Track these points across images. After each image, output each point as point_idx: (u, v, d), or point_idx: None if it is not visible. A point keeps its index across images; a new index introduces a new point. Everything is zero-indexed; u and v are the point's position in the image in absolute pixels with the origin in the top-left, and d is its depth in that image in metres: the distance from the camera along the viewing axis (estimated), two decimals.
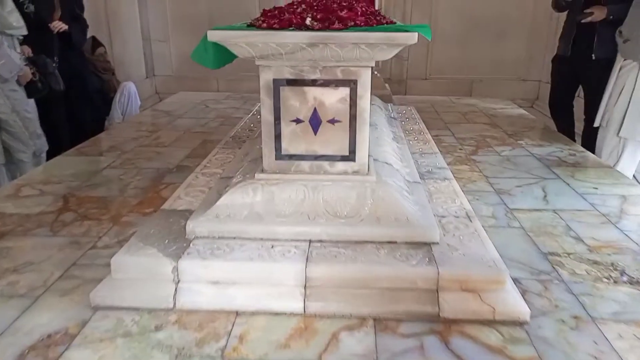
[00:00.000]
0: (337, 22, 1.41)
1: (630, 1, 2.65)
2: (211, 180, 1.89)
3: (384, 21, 1.64)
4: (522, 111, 3.61)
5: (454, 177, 2.11)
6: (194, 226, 1.45)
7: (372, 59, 1.39)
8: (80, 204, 1.96)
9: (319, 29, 1.35)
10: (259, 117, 3.04)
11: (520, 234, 1.70)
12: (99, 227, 1.77)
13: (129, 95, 4.43)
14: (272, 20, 1.43)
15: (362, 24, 1.44)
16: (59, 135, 3.36)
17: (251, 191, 1.50)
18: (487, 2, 5.52)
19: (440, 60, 5.66)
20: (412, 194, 1.61)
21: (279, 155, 1.54)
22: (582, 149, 2.70)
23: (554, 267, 1.50)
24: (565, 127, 3.39)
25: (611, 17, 2.95)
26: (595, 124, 2.77)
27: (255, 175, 1.54)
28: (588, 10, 3.04)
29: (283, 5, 1.81)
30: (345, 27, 1.39)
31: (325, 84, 1.45)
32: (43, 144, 2.98)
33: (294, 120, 1.50)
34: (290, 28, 1.37)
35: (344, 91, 1.46)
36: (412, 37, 1.29)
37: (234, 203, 1.49)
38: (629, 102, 2.56)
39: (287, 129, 1.51)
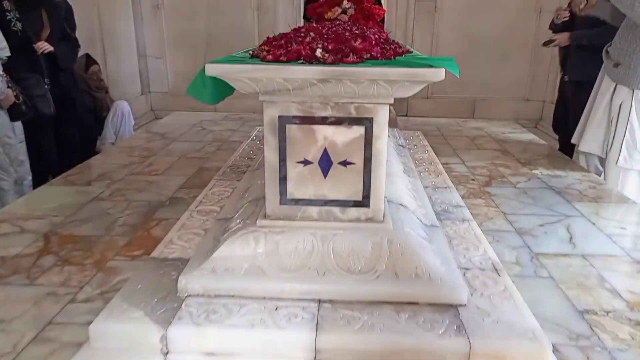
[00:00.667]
0: (351, 54, 1.25)
1: (599, 26, 2.91)
2: (207, 220, 1.72)
3: (401, 51, 1.49)
4: (532, 136, 3.47)
5: (470, 213, 1.96)
6: (186, 282, 1.27)
7: (391, 96, 1.23)
8: (62, 244, 1.78)
9: (332, 63, 1.19)
10: (258, 142, 2.89)
11: (550, 286, 1.54)
12: (80, 274, 1.59)
13: (122, 114, 4.27)
14: (278, 51, 1.28)
15: (378, 55, 1.29)
16: (46, 161, 3.19)
17: (252, 241, 1.33)
18: (490, 22, 5.43)
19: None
20: (431, 242, 1.44)
21: (284, 200, 1.38)
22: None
23: (593, 330, 1.33)
24: (561, 143, 3.67)
25: (575, 42, 3.23)
26: (572, 141, 2.92)
27: (257, 221, 1.37)
28: (553, 37, 3.36)
29: (289, 32, 1.66)
30: (360, 60, 1.23)
31: (338, 122, 1.29)
32: (25, 172, 2.81)
33: (301, 162, 1.34)
34: (299, 61, 1.21)
35: (358, 130, 1.30)
36: (439, 74, 1.14)
37: (232, 255, 1.31)
38: (625, 130, 2.51)
39: (293, 171, 1.35)
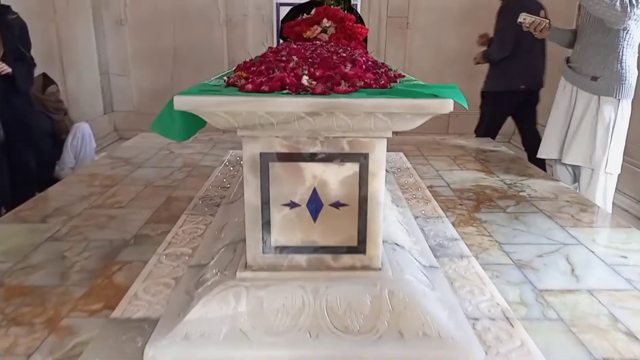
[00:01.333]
0: (342, 81, 1.10)
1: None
2: (178, 267, 1.52)
3: (393, 75, 1.34)
4: (512, 153, 3.40)
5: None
6: (154, 354, 1.07)
7: (390, 129, 1.08)
8: (10, 299, 1.54)
9: (322, 93, 1.03)
10: (231, 168, 2.70)
11: (562, 330, 1.40)
12: (29, 337, 1.35)
13: (83, 136, 4.00)
14: (259, 78, 1.11)
15: (372, 82, 1.14)
16: None
17: (232, 298, 1.14)
18: (461, 37, 5.43)
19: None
20: (434, 289, 1.29)
21: (267, 248, 1.20)
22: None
23: None
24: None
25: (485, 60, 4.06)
26: (540, 156, 2.98)
27: (237, 273, 1.19)
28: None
29: (268, 53, 1.50)
30: (353, 89, 1.08)
31: (328, 158, 1.13)
32: None
33: (287, 204, 1.17)
34: (284, 91, 1.05)
35: (352, 168, 1.14)
36: (446, 106, 1.00)
37: (209, 316, 1.12)
38: (610, 137, 2.56)
39: (278, 215, 1.17)
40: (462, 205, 2.38)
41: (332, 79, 1.11)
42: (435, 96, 1.01)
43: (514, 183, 2.74)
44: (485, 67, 5.43)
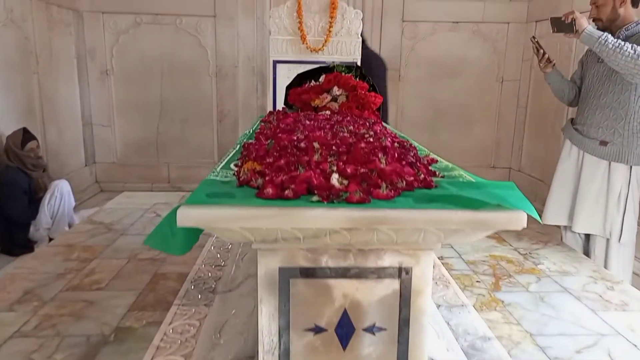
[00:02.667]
0: (380, 181, 0.91)
1: None
2: None
3: (426, 160, 1.17)
4: None
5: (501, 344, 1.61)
6: None
7: (442, 243, 0.89)
8: None
9: (360, 201, 0.84)
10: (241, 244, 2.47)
11: None
12: None
13: (62, 195, 3.73)
14: (278, 176, 0.92)
15: (413, 181, 0.95)
16: None
17: None
18: (453, 90, 5.40)
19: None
20: None
21: None
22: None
23: None
24: None
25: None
26: (545, 222, 2.70)
27: None
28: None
29: (281, 134, 1.30)
30: (396, 194, 0.89)
31: (362, 274, 0.93)
32: None
33: (311, 329, 0.95)
34: (314, 199, 0.85)
35: (392, 285, 0.94)
36: (519, 221, 0.81)
37: None
38: (624, 207, 2.40)
39: (299, 342, 0.95)
40: (479, 282, 2.19)
41: (367, 178, 0.92)
42: (500, 206, 0.83)
43: (529, 253, 2.56)
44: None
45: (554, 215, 2.64)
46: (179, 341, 1.47)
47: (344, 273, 0.93)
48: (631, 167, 2.38)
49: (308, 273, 0.93)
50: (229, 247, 2.22)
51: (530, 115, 5.23)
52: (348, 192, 0.87)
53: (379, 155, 1.04)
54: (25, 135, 3.65)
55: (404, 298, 0.94)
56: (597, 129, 2.44)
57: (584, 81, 2.58)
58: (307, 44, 2.87)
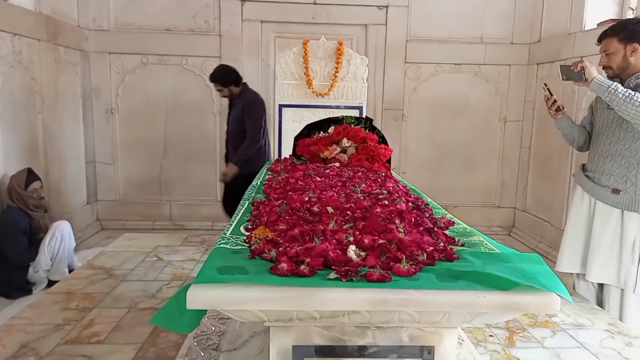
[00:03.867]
0: (399, 253, 0.87)
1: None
2: None
3: (443, 223, 1.13)
4: None
5: None
6: None
7: (467, 323, 0.84)
8: None
9: (380, 280, 0.80)
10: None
11: None
12: None
13: (62, 236, 3.66)
14: (292, 246, 0.88)
15: (433, 251, 0.91)
16: None
17: None
18: (456, 130, 5.42)
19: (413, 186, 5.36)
20: None
21: None
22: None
23: None
24: None
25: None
26: (559, 269, 2.59)
27: None
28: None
29: (293, 195, 1.27)
30: (418, 269, 0.85)
31: (382, 354, 0.88)
32: None
33: None
34: (332, 276, 0.81)
35: None
36: (553, 305, 0.76)
37: None
38: (639, 257, 2.34)
39: None
40: (492, 336, 2.11)
41: (386, 250, 0.88)
42: (531, 287, 0.78)
43: None
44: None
45: (568, 262, 2.58)
46: None
47: (362, 352, 0.88)
48: None
49: (324, 352, 0.87)
50: None
51: (534, 155, 5.21)
52: (367, 266, 0.83)
53: (396, 221, 1.01)
54: (30, 176, 3.62)
55: None
56: (608, 177, 2.41)
57: (594, 127, 2.57)
58: (313, 88, 2.88)
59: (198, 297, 0.75)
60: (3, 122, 3.58)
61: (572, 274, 2.66)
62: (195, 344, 1.78)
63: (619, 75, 2.32)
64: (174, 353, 1.77)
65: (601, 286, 2.52)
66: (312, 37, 3.32)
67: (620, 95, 2.12)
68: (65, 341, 1.98)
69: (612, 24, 2.40)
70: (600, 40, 2.38)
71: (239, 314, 0.78)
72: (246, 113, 3.73)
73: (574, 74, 2.24)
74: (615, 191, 2.38)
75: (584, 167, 2.62)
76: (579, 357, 1.95)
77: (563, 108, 2.54)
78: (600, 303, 2.52)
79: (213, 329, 1.90)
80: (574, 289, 2.65)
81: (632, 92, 2.12)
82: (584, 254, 2.54)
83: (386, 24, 5.26)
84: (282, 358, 0.87)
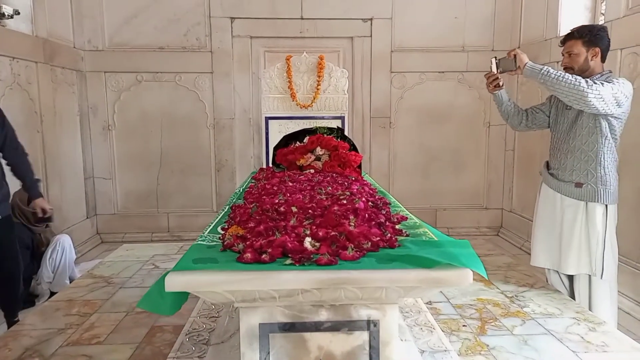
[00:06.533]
0: (348, 243, 1.03)
1: None
2: None
3: (396, 219, 1.29)
4: (508, 259, 3.34)
5: None
6: None
7: (403, 298, 1.00)
8: None
9: (328, 264, 0.96)
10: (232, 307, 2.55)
11: None
12: None
13: (63, 249, 3.82)
14: (257, 240, 1.04)
15: (379, 241, 1.07)
16: None
17: None
18: (443, 135, 5.59)
19: (402, 190, 5.52)
20: None
21: None
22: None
23: None
24: None
25: None
26: (534, 263, 2.74)
27: None
28: None
29: (265, 197, 1.44)
30: (361, 254, 1.01)
31: (335, 327, 1.04)
32: None
33: None
34: (287, 262, 0.97)
35: (361, 336, 1.04)
36: (466, 278, 0.92)
37: None
38: (603, 245, 2.49)
39: None
40: (465, 326, 2.26)
41: (336, 240, 1.04)
42: (451, 264, 0.94)
43: (515, 296, 2.64)
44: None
45: (540, 257, 2.72)
46: None
47: (318, 327, 1.03)
48: (607, 205, 2.49)
49: (286, 328, 1.03)
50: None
51: (518, 157, 5.39)
52: (319, 254, 0.99)
53: (350, 217, 1.17)
54: None
55: (373, 348, 1.04)
56: (571, 172, 2.55)
57: (552, 126, 2.70)
58: (297, 101, 3.05)
59: (175, 282, 0.91)
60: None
61: (544, 269, 2.81)
62: (187, 339, 1.93)
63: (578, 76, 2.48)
64: (169, 350, 1.92)
65: (571, 278, 2.67)
66: (301, 51, 3.49)
67: (553, 75, 2.27)
68: (68, 343, 2.13)
69: (578, 27, 2.56)
70: (564, 41, 2.55)
71: (209, 295, 0.94)
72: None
73: (507, 63, 2.40)
74: (579, 185, 2.53)
75: (547, 165, 2.76)
76: (544, 342, 2.10)
77: (502, 85, 2.69)
78: (572, 295, 2.67)
79: (204, 326, 2.06)
80: (547, 282, 2.80)
81: (563, 72, 2.28)
82: (554, 249, 2.67)
83: (371, 36, 5.46)
84: (251, 335, 1.03)
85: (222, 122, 5.45)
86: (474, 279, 2.76)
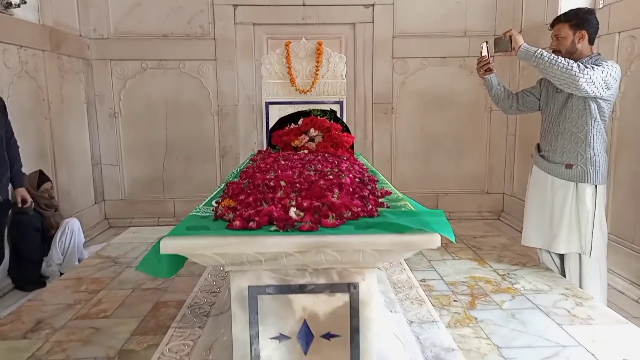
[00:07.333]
0: (330, 215, 1.11)
1: None
2: None
3: (380, 194, 1.37)
4: (504, 240, 3.42)
5: (459, 347, 1.78)
6: None
7: (379, 262, 1.08)
8: None
9: (309, 230, 1.04)
10: (222, 269, 2.66)
11: None
12: None
13: (72, 232, 3.95)
14: (247, 211, 1.12)
15: (359, 211, 1.16)
16: None
17: None
18: (445, 120, 5.63)
19: (404, 175, 5.59)
20: None
21: None
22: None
23: None
24: None
25: None
26: (525, 243, 2.82)
27: None
28: None
29: (256, 172, 1.53)
30: (341, 222, 1.09)
31: (318, 289, 1.12)
32: None
33: (276, 337, 1.14)
34: (272, 228, 1.06)
35: (342, 298, 1.13)
36: (434, 241, 1.00)
37: None
38: (593, 224, 2.54)
39: (267, 348, 1.14)
40: (456, 301, 2.35)
41: (319, 210, 1.12)
42: (422, 230, 1.02)
43: (507, 274, 2.72)
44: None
45: (532, 237, 2.79)
46: (174, 359, 1.65)
47: (302, 289, 1.12)
48: (596, 186, 2.55)
49: (273, 290, 1.12)
50: (224, 275, 2.41)
51: (519, 142, 5.42)
52: (302, 222, 1.08)
53: (335, 190, 1.25)
54: (41, 177, 3.91)
55: (354, 309, 1.13)
56: (561, 154, 2.61)
57: (543, 109, 2.75)
58: (296, 86, 3.12)
59: (169, 245, 1.00)
60: (14, 128, 3.85)
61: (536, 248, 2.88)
62: (189, 312, 2.04)
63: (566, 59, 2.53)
64: (172, 323, 2.03)
65: (562, 257, 2.74)
66: (303, 37, 3.55)
67: (546, 59, 2.32)
68: (77, 317, 2.24)
69: (566, 11, 2.60)
70: (553, 25, 2.59)
71: (201, 258, 1.03)
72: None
73: (502, 43, 2.44)
74: (569, 166, 2.58)
75: (538, 148, 2.82)
76: (531, 315, 2.18)
77: (493, 70, 2.73)
78: (563, 273, 2.74)
79: (205, 300, 2.16)
80: (539, 261, 2.87)
81: (556, 56, 2.33)
82: (545, 229, 2.73)
83: (373, 22, 5.49)
84: (241, 297, 1.12)
85: (226, 109, 5.52)
86: (468, 259, 2.84)
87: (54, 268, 3.91)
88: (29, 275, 3.76)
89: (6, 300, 3.18)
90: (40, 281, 3.78)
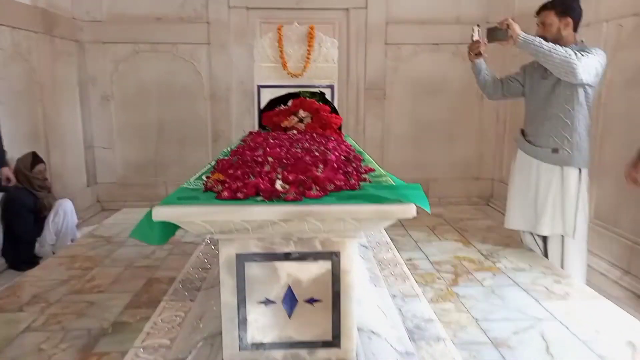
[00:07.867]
0: (314, 186, 1.17)
1: None
2: None
3: (363, 170, 1.44)
4: (489, 222, 3.50)
5: (440, 320, 1.86)
6: None
7: (360, 231, 1.15)
8: None
9: (294, 200, 1.11)
10: (212, 247, 2.73)
11: None
12: None
13: (65, 213, 4.00)
14: (235, 184, 1.18)
15: (342, 185, 1.22)
16: None
17: None
18: (436, 106, 5.69)
19: (394, 161, 5.66)
20: None
21: (244, 345, 1.22)
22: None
23: None
24: None
25: None
26: (509, 226, 2.89)
27: None
28: None
29: (245, 150, 1.59)
30: (324, 194, 1.16)
31: (301, 257, 1.19)
32: None
33: (263, 302, 1.21)
34: (258, 198, 1.12)
35: (325, 265, 1.20)
36: (409, 211, 1.07)
37: None
38: (576, 206, 2.60)
39: (254, 312, 1.21)
40: (440, 279, 2.43)
41: (304, 183, 1.18)
42: (399, 200, 1.09)
43: (491, 254, 2.81)
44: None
45: (515, 220, 2.86)
46: (166, 328, 1.72)
47: (287, 257, 1.19)
48: (580, 169, 2.63)
49: (259, 257, 1.18)
50: (216, 252, 2.47)
51: (509, 129, 5.49)
52: (287, 194, 1.14)
53: (319, 165, 1.31)
54: (35, 159, 3.94)
55: (335, 276, 1.20)
56: (547, 138, 2.67)
57: (529, 95, 2.81)
58: (288, 70, 3.16)
59: (160, 213, 1.06)
60: (6, 110, 3.87)
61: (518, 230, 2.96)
62: (180, 286, 2.11)
63: None
64: (164, 297, 2.10)
65: (545, 239, 2.83)
66: (295, 21, 3.57)
67: (545, 47, 2.37)
68: (71, 292, 2.31)
69: None
70: (538, 12, 2.64)
71: (191, 225, 1.09)
72: None
73: (499, 33, 2.45)
74: (555, 150, 2.65)
75: (523, 133, 2.88)
76: (510, 291, 2.27)
77: (483, 54, 2.78)
78: (546, 255, 2.83)
79: (197, 276, 2.23)
80: (521, 241, 2.96)
81: (555, 45, 2.38)
82: (529, 212, 2.81)
83: (366, 8, 5.51)
84: (229, 264, 1.19)
85: (219, 94, 5.55)
86: (453, 240, 2.92)
87: (47, 249, 3.96)
88: (22, 256, 3.81)
89: (0, 279, 3.24)
90: (33, 261, 3.82)
